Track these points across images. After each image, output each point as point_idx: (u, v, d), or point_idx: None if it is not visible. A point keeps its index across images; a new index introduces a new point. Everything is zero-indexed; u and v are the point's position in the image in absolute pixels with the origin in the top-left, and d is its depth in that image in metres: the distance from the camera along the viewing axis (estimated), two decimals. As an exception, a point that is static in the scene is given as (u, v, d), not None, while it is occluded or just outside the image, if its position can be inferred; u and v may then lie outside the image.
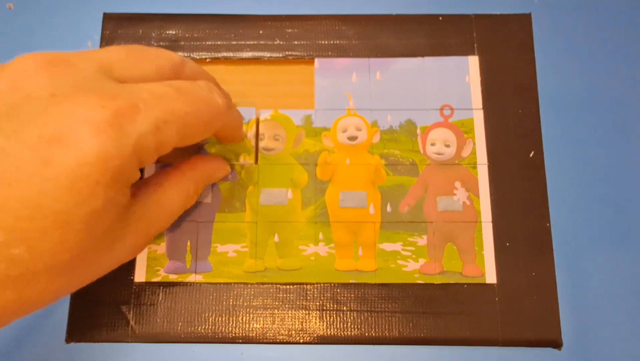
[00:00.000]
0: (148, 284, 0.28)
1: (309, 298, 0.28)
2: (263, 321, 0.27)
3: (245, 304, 0.28)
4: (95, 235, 0.19)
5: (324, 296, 0.28)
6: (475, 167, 0.29)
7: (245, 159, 0.30)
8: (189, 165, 0.26)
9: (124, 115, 0.18)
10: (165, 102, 0.20)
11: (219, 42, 0.31)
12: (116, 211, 0.20)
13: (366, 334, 0.27)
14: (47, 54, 0.20)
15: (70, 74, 0.19)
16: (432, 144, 0.30)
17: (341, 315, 0.27)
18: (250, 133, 0.30)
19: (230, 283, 0.28)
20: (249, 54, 0.31)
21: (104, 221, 0.19)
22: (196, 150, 0.29)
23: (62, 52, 0.21)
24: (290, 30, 0.32)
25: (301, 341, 0.27)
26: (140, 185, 0.23)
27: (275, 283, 0.28)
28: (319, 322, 0.27)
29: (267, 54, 0.31)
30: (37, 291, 0.19)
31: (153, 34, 0.31)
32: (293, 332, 0.27)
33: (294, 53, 0.31)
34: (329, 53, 0.31)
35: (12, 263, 0.17)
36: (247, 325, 0.27)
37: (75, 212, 0.18)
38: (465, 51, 0.31)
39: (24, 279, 0.18)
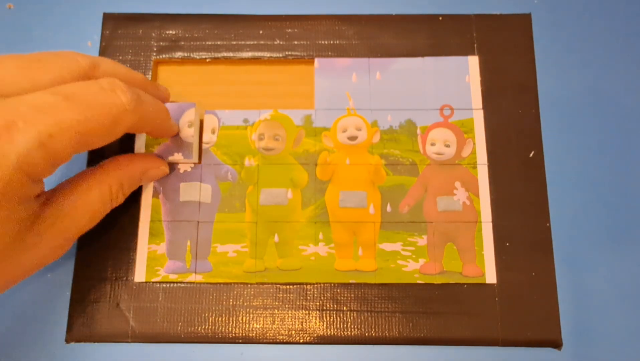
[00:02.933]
0: (148, 284, 0.28)
1: (309, 298, 0.28)
2: (263, 321, 0.27)
3: (245, 304, 0.28)
4: None
5: (324, 296, 0.28)
6: (475, 167, 0.29)
7: (250, 160, 0.30)
8: (114, 164, 0.25)
9: None
10: (50, 114, 0.19)
11: (219, 42, 0.31)
12: (16, 225, 0.20)
13: (366, 334, 0.27)
14: None
15: None
16: (432, 144, 0.30)
17: (341, 315, 0.27)
18: (255, 135, 0.30)
19: (230, 283, 0.28)
20: (249, 54, 0.31)
21: (3, 236, 0.19)
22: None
23: None
24: (290, 30, 0.32)
25: (301, 341, 0.27)
26: (57, 189, 0.23)
27: (275, 283, 0.28)
28: (319, 322, 0.27)
29: (267, 54, 0.31)
30: None
31: (153, 34, 0.32)
32: (293, 332, 0.27)
33: (294, 53, 0.31)
34: (329, 53, 0.31)
35: None
36: (247, 325, 0.27)
37: None
38: (465, 51, 0.31)
39: None
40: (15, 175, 0.18)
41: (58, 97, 0.19)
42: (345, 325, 0.27)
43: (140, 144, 0.29)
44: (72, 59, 0.23)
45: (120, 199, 0.26)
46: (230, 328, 0.27)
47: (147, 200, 0.29)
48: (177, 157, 0.29)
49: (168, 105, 0.29)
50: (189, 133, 0.29)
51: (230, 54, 0.31)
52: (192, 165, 0.29)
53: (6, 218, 0.19)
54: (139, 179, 0.27)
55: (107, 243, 0.28)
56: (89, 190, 0.24)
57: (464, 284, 0.28)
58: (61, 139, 0.19)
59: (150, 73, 0.31)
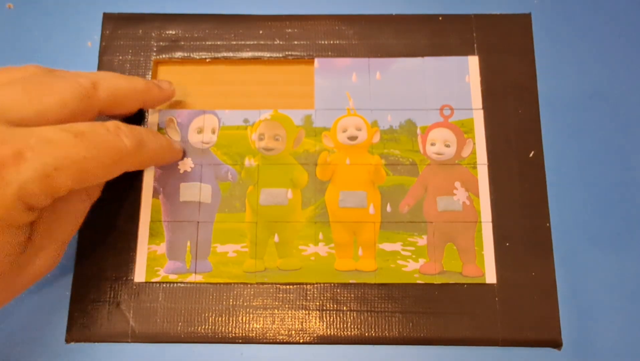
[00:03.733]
0: (148, 284, 0.28)
1: (308, 298, 0.28)
2: (263, 321, 0.27)
3: (245, 304, 0.28)
4: None
5: (323, 296, 0.28)
6: (475, 167, 0.29)
7: (250, 160, 0.30)
8: None
9: (5, 164, 0.18)
10: (58, 148, 0.20)
11: (219, 42, 0.31)
12: (14, 248, 0.21)
13: (366, 334, 0.27)
14: None
15: None
16: (432, 144, 0.30)
17: (341, 315, 0.27)
18: (255, 135, 0.30)
19: (230, 283, 0.28)
20: (249, 54, 0.31)
21: (3, 260, 0.20)
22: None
23: None
24: (290, 30, 0.32)
25: (301, 341, 0.27)
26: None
27: (275, 283, 0.28)
28: (319, 322, 0.27)
29: (267, 54, 0.31)
30: None
31: (153, 34, 0.31)
32: (293, 332, 0.27)
33: (293, 53, 0.31)
34: (329, 53, 0.31)
35: None
36: (247, 325, 0.27)
37: None
38: (465, 51, 0.31)
39: None
40: (15, 203, 0.19)
41: (68, 133, 0.20)
42: (345, 325, 0.27)
43: None
44: (74, 80, 0.23)
45: (97, 193, 0.26)
46: (230, 328, 0.27)
47: (147, 200, 0.29)
48: (186, 161, 0.29)
49: (178, 111, 0.30)
50: (198, 139, 0.29)
51: (230, 54, 0.31)
52: (192, 165, 0.29)
53: (6, 243, 0.20)
54: None
55: (107, 243, 0.28)
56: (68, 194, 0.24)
57: (464, 284, 0.28)
58: (65, 173, 0.20)
59: (150, 73, 0.31)
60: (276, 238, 0.29)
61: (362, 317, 0.27)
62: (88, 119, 0.24)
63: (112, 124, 0.22)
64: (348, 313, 0.27)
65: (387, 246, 0.28)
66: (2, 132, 0.19)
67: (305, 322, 0.27)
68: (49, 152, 0.19)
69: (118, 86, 0.25)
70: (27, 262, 0.22)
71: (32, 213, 0.20)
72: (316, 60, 0.31)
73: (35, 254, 0.22)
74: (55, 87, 0.22)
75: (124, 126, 0.23)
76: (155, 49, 0.31)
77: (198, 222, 0.29)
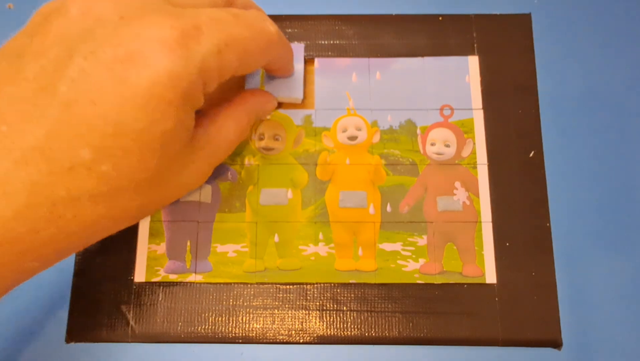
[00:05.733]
0: (148, 284, 0.28)
1: (309, 298, 0.28)
2: (263, 321, 0.27)
3: (245, 304, 0.28)
4: (168, 156, 0.20)
5: (324, 296, 0.28)
6: (475, 167, 0.29)
7: (250, 160, 0.30)
8: (240, 98, 0.27)
9: (190, 35, 0.19)
10: (225, 26, 0.20)
11: (219, 42, 0.31)
12: (185, 134, 0.21)
13: (366, 334, 0.27)
14: None
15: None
16: (432, 144, 0.30)
17: (341, 315, 0.27)
18: (255, 135, 0.30)
19: (230, 283, 0.28)
20: (249, 54, 0.31)
21: (176, 142, 0.20)
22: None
23: None
24: (290, 30, 0.32)
25: (301, 341, 0.27)
26: (199, 117, 0.24)
27: (275, 283, 0.28)
28: (319, 322, 0.27)
29: (267, 54, 0.31)
30: (121, 209, 0.20)
31: (153, 34, 0.31)
32: (293, 332, 0.27)
33: (294, 53, 0.31)
34: (329, 53, 0.31)
35: (101, 180, 0.18)
36: (247, 325, 0.27)
37: (151, 131, 0.18)
38: (465, 51, 0.31)
39: (111, 195, 0.19)
40: (197, 78, 0.19)
41: (228, 14, 0.21)
42: (345, 325, 0.27)
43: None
44: None
45: (248, 132, 0.27)
46: (230, 328, 0.27)
47: (147, 200, 0.29)
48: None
49: None
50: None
51: (230, 54, 0.31)
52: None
53: (182, 121, 0.20)
54: (258, 113, 0.28)
55: (107, 243, 0.28)
56: (226, 119, 0.25)
57: (464, 284, 0.28)
58: (232, 51, 0.20)
59: (150, 73, 0.31)
60: (276, 238, 0.29)
61: (362, 317, 0.27)
62: None
63: (256, 12, 0.23)
64: (348, 313, 0.27)
65: (387, 246, 0.28)
66: (177, 10, 0.20)
67: (305, 322, 0.27)
68: (220, 28, 0.20)
69: (251, 4, 0.26)
70: (191, 162, 0.23)
71: (202, 98, 0.21)
72: (316, 60, 0.31)
73: (194, 160, 0.23)
74: None
75: (266, 16, 0.24)
76: (155, 49, 0.31)
77: (198, 222, 0.29)
